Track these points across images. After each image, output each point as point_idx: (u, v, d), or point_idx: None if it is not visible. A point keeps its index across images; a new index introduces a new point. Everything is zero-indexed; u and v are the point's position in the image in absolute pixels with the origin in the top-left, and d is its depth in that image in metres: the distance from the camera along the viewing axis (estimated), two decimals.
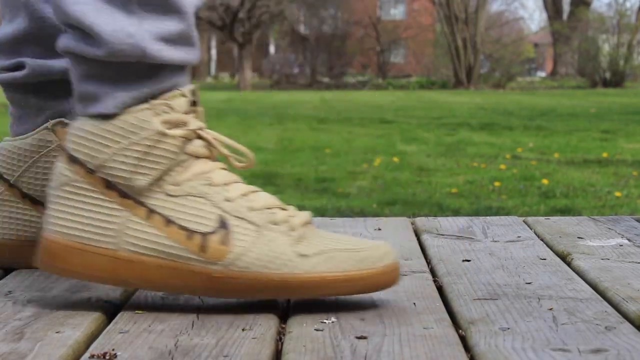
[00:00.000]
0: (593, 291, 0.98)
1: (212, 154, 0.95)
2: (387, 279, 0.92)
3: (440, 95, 16.76)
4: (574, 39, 24.55)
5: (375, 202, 4.07)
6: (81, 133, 0.92)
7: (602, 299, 0.94)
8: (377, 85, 22.52)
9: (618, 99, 14.31)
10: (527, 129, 8.25)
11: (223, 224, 0.91)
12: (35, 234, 1.09)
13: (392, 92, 18.82)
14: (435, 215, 2.99)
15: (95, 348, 0.79)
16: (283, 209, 0.94)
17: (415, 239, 1.33)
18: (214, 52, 35.11)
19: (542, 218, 1.46)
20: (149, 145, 0.91)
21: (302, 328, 0.84)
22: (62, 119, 1.07)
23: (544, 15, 29.86)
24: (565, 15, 26.40)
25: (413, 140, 7.26)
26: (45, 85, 1.09)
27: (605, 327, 0.83)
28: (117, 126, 0.91)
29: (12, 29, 1.09)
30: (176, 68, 0.93)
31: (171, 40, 0.92)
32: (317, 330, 0.84)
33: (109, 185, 0.91)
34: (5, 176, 1.10)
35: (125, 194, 0.91)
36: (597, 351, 0.76)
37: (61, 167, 0.93)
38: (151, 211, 0.91)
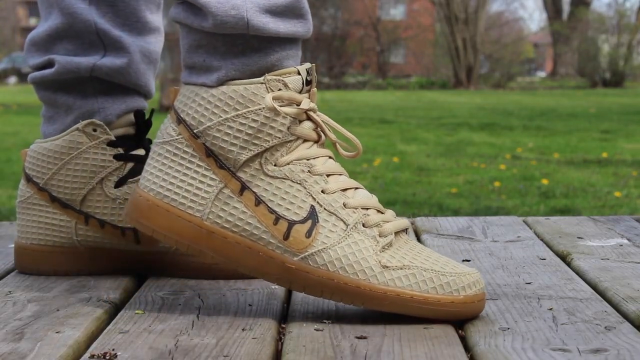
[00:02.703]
0: (593, 291, 0.98)
1: (320, 139, 0.93)
2: (468, 309, 0.86)
3: (440, 95, 16.76)
4: (573, 39, 24.54)
5: None
6: (192, 96, 0.91)
7: (602, 299, 0.94)
8: (377, 85, 22.51)
9: (618, 99, 14.30)
10: (527, 129, 8.25)
11: (313, 216, 0.89)
12: (64, 239, 1.08)
13: (392, 92, 18.81)
14: (435, 215, 2.99)
15: (95, 348, 0.78)
16: (379, 212, 0.91)
17: (415, 239, 1.33)
18: None
19: (542, 218, 1.46)
20: (256, 121, 0.89)
21: (302, 328, 0.84)
22: (94, 120, 1.06)
23: (544, 15, 29.88)
24: (565, 15, 26.38)
25: (413, 140, 7.26)
26: (74, 83, 1.08)
27: (605, 327, 0.83)
28: (228, 96, 0.90)
29: (46, 26, 1.08)
30: (285, 41, 0.91)
31: (278, 12, 0.90)
32: (317, 330, 0.84)
33: (209, 153, 0.90)
34: (34, 179, 1.09)
35: (223, 164, 0.90)
36: (597, 351, 0.76)
37: (168, 125, 0.93)
38: (244, 187, 0.90)
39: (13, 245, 1.17)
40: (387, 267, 0.87)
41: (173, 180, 0.92)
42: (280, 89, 0.90)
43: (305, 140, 0.91)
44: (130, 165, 1.07)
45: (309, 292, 0.88)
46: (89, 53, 1.08)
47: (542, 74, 33.58)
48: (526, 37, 31.95)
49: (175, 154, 0.92)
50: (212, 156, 0.90)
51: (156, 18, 1.12)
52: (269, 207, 0.89)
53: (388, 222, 0.90)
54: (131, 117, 1.09)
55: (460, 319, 0.86)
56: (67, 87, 1.08)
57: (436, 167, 5.48)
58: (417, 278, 0.86)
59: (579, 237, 1.30)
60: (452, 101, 14.02)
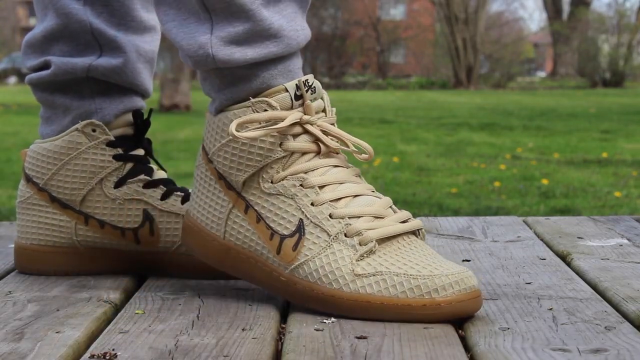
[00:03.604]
0: (593, 291, 0.98)
1: (322, 149, 0.93)
2: (444, 311, 0.84)
3: (440, 95, 16.75)
4: (573, 39, 24.54)
5: None
6: (207, 124, 0.97)
7: (601, 299, 0.94)
8: (377, 85, 22.49)
9: (618, 99, 14.30)
10: (527, 129, 8.25)
11: (300, 229, 0.91)
12: (63, 239, 1.08)
13: (392, 92, 18.80)
14: (435, 215, 2.99)
15: (95, 348, 0.78)
16: (378, 217, 0.91)
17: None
18: None
19: (542, 218, 1.46)
20: (245, 143, 0.92)
21: (302, 328, 0.84)
22: (93, 121, 1.06)
23: (544, 15, 29.87)
24: (565, 15, 26.38)
25: (413, 140, 7.26)
26: (71, 84, 1.08)
27: (605, 327, 0.83)
28: (222, 122, 0.94)
29: (41, 28, 1.08)
30: (267, 63, 0.93)
31: (242, 40, 0.92)
32: (317, 330, 0.84)
33: (220, 176, 0.95)
34: (34, 179, 1.08)
35: (230, 185, 0.94)
36: (597, 351, 0.76)
37: (199, 150, 0.98)
38: (248, 206, 0.93)
39: (13, 245, 1.17)
40: (360, 275, 0.87)
41: (200, 202, 0.98)
42: (265, 110, 0.91)
43: (304, 153, 0.93)
44: (129, 165, 1.07)
45: (298, 302, 0.91)
46: (84, 54, 1.07)
47: (542, 74, 33.57)
48: (526, 37, 31.95)
49: (201, 177, 0.98)
50: (222, 179, 0.95)
51: (152, 17, 1.12)
52: (266, 223, 0.92)
53: (373, 229, 0.90)
54: (129, 117, 1.09)
55: (439, 321, 0.85)
56: (64, 88, 1.08)
57: (436, 167, 5.48)
58: (387, 283, 0.86)
59: (579, 237, 1.30)
60: (452, 101, 14.02)
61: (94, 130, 1.06)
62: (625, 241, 1.26)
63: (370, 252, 0.89)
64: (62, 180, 1.07)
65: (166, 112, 10.60)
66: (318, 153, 0.93)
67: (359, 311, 0.87)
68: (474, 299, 0.86)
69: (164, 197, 1.06)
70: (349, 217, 0.90)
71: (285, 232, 0.91)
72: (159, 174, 1.09)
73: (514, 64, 24.88)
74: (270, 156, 0.92)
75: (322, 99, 0.96)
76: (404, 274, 0.86)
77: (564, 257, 1.17)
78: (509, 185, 4.68)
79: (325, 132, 0.94)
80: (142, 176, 1.07)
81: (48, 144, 1.08)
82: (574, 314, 0.88)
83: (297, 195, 0.91)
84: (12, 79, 26.91)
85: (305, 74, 0.96)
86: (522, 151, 6.38)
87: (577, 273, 1.08)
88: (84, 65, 1.07)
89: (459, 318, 0.85)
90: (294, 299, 0.91)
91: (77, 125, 1.06)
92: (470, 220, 1.45)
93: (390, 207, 0.94)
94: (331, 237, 0.90)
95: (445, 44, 24.25)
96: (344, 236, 0.90)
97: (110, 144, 1.06)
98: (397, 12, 31.66)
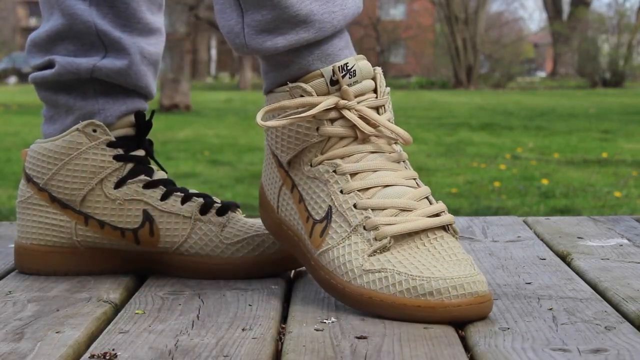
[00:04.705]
0: (593, 291, 0.98)
1: (358, 135, 0.93)
2: (437, 315, 0.83)
3: (440, 96, 16.75)
4: (573, 39, 24.53)
5: None
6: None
7: (601, 299, 0.94)
8: None
9: (618, 99, 14.30)
10: (527, 129, 8.25)
11: (328, 216, 0.92)
12: (63, 239, 1.08)
13: (392, 92, 18.74)
14: None
15: (95, 348, 0.78)
16: (405, 210, 0.90)
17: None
18: (214, 52, 35.13)
19: (542, 218, 1.46)
20: (283, 126, 0.94)
21: (302, 328, 0.84)
22: (94, 121, 1.06)
23: (544, 15, 29.88)
24: (565, 16, 26.39)
25: (413, 140, 7.26)
26: (75, 84, 1.08)
27: (605, 327, 0.83)
28: (267, 103, 0.96)
29: (47, 27, 1.09)
30: (301, 49, 0.93)
31: (272, 28, 0.92)
32: (317, 330, 0.84)
33: (272, 153, 0.97)
34: (35, 179, 1.08)
35: (280, 163, 0.96)
36: (597, 351, 0.76)
37: None
38: (294, 185, 0.95)
39: (13, 245, 1.17)
40: (368, 270, 0.88)
41: (264, 172, 1.01)
42: (301, 95, 0.92)
43: (341, 138, 0.93)
44: (130, 166, 1.07)
45: (322, 287, 0.94)
46: (89, 54, 1.07)
47: (542, 74, 33.58)
48: (526, 37, 31.96)
49: (265, 150, 1.00)
50: (274, 156, 0.97)
51: (157, 19, 1.12)
52: (305, 205, 0.94)
53: (391, 224, 0.89)
54: (131, 118, 1.09)
55: (435, 322, 0.84)
56: (68, 88, 1.08)
57: (436, 167, 5.48)
58: (389, 281, 0.86)
59: (579, 237, 1.30)
60: (452, 101, 14.02)
61: (94, 131, 1.06)
62: (625, 241, 1.26)
63: (384, 248, 0.88)
64: (63, 180, 1.07)
65: (166, 112, 10.60)
66: (356, 138, 0.93)
67: (363, 306, 0.88)
68: (476, 305, 0.85)
69: (164, 197, 1.06)
70: (372, 209, 0.90)
71: (317, 217, 0.92)
72: (159, 175, 1.09)
73: (514, 64, 24.88)
74: (308, 140, 0.93)
75: (373, 79, 0.95)
76: (406, 274, 0.86)
77: (564, 257, 1.17)
78: (509, 185, 4.68)
79: (362, 118, 0.93)
80: (142, 176, 1.07)
81: (49, 143, 1.07)
82: (574, 314, 0.88)
83: (329, 182, 0.92)
84: (12, 79, 26.92)
85: None
86: (522, 151, 6.38)
87: (577, 273, 1.08)
88: (88, 65, 1.06)
89: (458, 321, 0.85)
90: (319, 284, 0.94)
91: (77, 126, 1.06)
92: (470, 220, 1.45)
93: (427, 198, 0.93)
94: (351, 228, 0.90)
95: (445, 44, 24.24)
96: (362, 229, 0.90)
97: (110, 145, 1.06)
98: (397, 12, 31.67)
